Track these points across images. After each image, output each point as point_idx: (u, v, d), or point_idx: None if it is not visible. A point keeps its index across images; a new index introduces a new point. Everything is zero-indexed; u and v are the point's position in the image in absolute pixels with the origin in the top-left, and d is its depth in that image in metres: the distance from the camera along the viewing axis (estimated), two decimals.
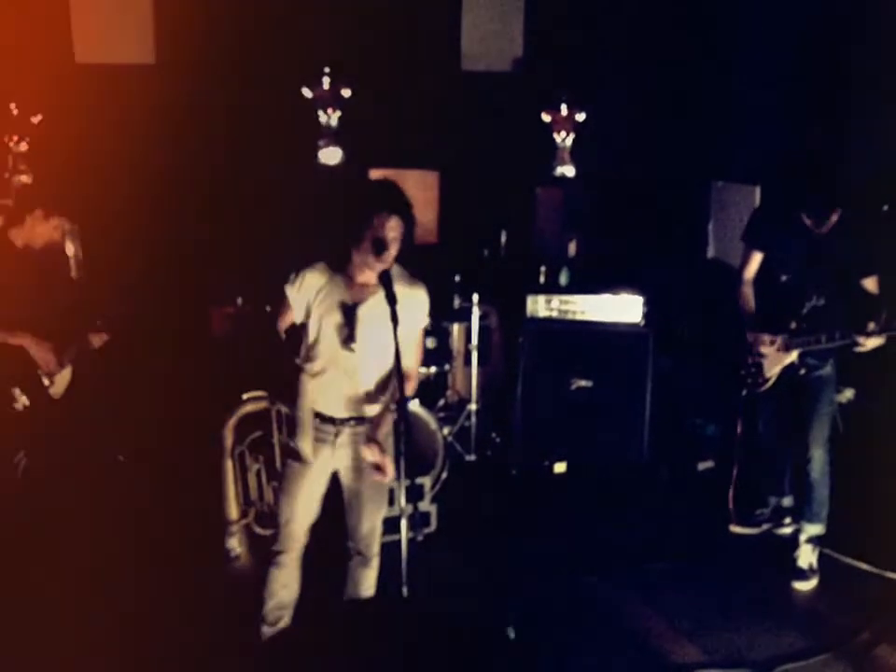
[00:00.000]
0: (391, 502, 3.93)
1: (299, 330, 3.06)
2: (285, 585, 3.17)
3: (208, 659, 3.27)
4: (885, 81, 4.58)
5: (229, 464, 3.75)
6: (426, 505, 4.32)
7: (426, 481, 4.39)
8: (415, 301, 2.98)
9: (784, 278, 3.91)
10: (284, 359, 3.11)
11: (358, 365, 2.97)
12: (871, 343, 3.60)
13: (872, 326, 3.56)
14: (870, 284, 3.80)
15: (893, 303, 3.62)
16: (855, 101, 4.78)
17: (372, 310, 2.93)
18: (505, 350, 5.71)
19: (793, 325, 3.87)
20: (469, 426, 5.31)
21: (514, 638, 3.03)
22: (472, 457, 5.28)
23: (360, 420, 3.05)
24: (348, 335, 2.92)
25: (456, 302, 5.50)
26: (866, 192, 4.29)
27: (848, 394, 4.75)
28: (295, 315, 3.03)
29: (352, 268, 2.94)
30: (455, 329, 5.45)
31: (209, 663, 3.26)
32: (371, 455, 2.93)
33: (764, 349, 3.94)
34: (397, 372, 2.80)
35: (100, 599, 3.61)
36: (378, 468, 2.93)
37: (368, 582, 3.22)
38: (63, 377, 3.98)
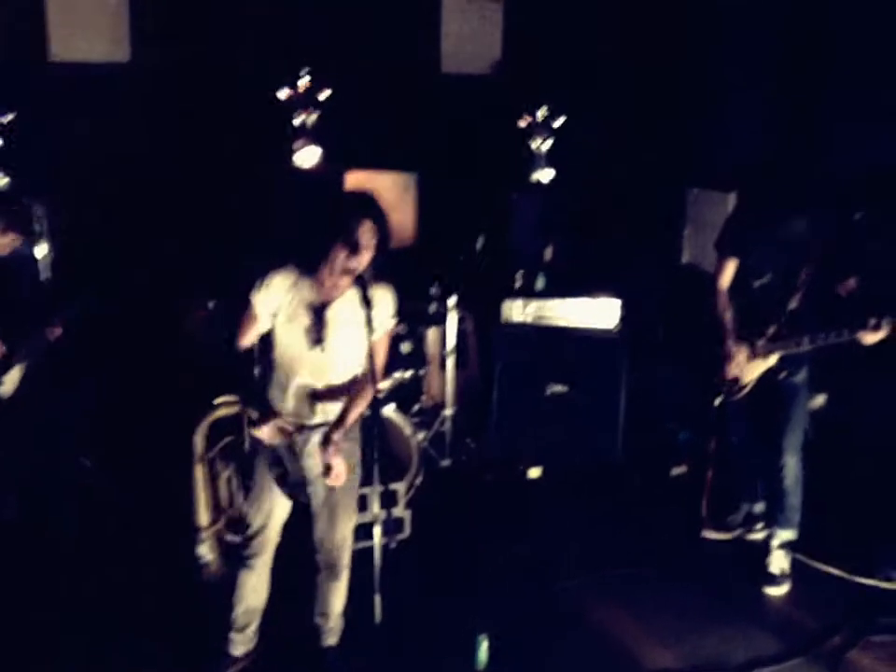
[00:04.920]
0: (364, 508, 3.92)
1: (268, 338, 3.02)
2: (254, 590, 3.14)
3: (179, 667, 3.24)
4: (862, 88, 4.63)
5: (199, 470, 3.71)
6: (399, 511, 4.29)
7: (399, 486, 4.37)
8: (383, 303, 2.96)
9: (758, 283, 3.93)
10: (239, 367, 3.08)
11: (328, 366, 2.95)
12: (871, 338, 3.56)
13: (873, 321, 3.52)
14: (848, 286, 3.82)
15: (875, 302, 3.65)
16: (832, 108, 4.83)
17: (340, 312, 2.91)
18: (480, 355, 5.70)
19: (772, 330, 3.89)
20: (443, 431, 5.29)
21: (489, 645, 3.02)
22: (447, 463, 5.25)
23: (328, 425, 3.03)
24: (317, 337, 2.90)
25: (432, 307, 5.48)
26: (842, 197, 4.33)
27: (820, 400, 4.79)
28: (261, 323, 2.96)
29: (321, 273, 2.92)
30: (431, 333, 5.43)
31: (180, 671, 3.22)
32: (326, 456, 2.87)
33: (742, 356, 3.95)
34: (371, 376, 2.79)
35: (66, 606, 3.56)
36: (328, 469, 2.87)
37: (337, 595, 3.18)
38: (11, 378, 3.92)
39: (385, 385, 3.16)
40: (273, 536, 3.12)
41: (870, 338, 3.57)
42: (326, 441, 2.91)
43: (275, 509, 3.09)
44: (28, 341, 3.99)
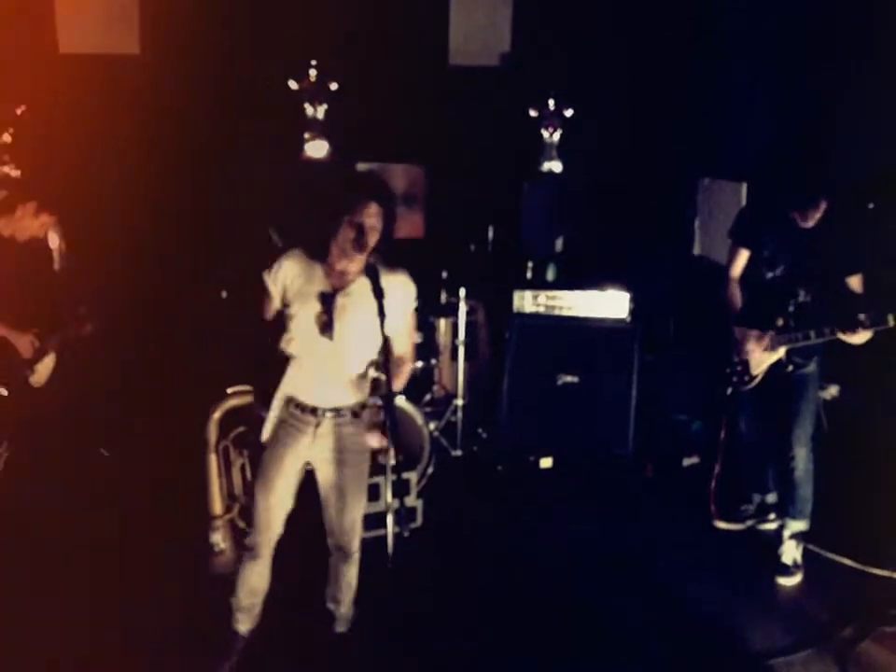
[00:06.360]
0: (377, 497, 3.93)
1: (283, 318, 3.05)
2: (258, 575, 3.16)
3: (192, 653, 3.25)
4: (873, 79, 4.60)
5: (213, 458, 3.73)
6: (412, 500, 4.31)
7: (412, 476, 4.38)
8: (400, 288, 2.96)
9: (770, 275, 3.92)
10: (263, 348, 3.10)
11: (339, 354, 2.95)
12: (856, 338, 3.62)
13: (862, 317, 3.57)
14: (854, 282, 3.81)
15: (879, 299, 3.64)
16: (842, 98, 4.79)
17: (351, 298, 2.92)
18: (491, 345, 5.71)
19: (780, 322, 3.89)
20: (455, 421, 5.30)
21: None
22: (458, 453, 5.27)
23: (341, 411, 3.03)
24: (326, 324, 2.90)
25: (443, 297, 5.49)
26: (854, 190, 4.31)
27: (833, 390, 4.78)
28: (275, 301, 3.01)
29: (331, 257, 2.93)
30: (442, 323, 5.45)
31: (193, 657, 3.24)
32: (375, 441, 2.95)
33: (751, 346, 3.95)
34: (385, 366, 2.79)
35: (82, 593, 3.58)
36: (382, 451, 2.94)
37: (349, 579, 3.20)
38: (45, 366, 3.94)
39: (403, 378, 3.15)
40: (275, 526, 3.11)
41: (851, 338, 3.62)
42: (372, 428, 2.98)
43: (278, 500, 3.08)
44: (61, 329, 3.99)
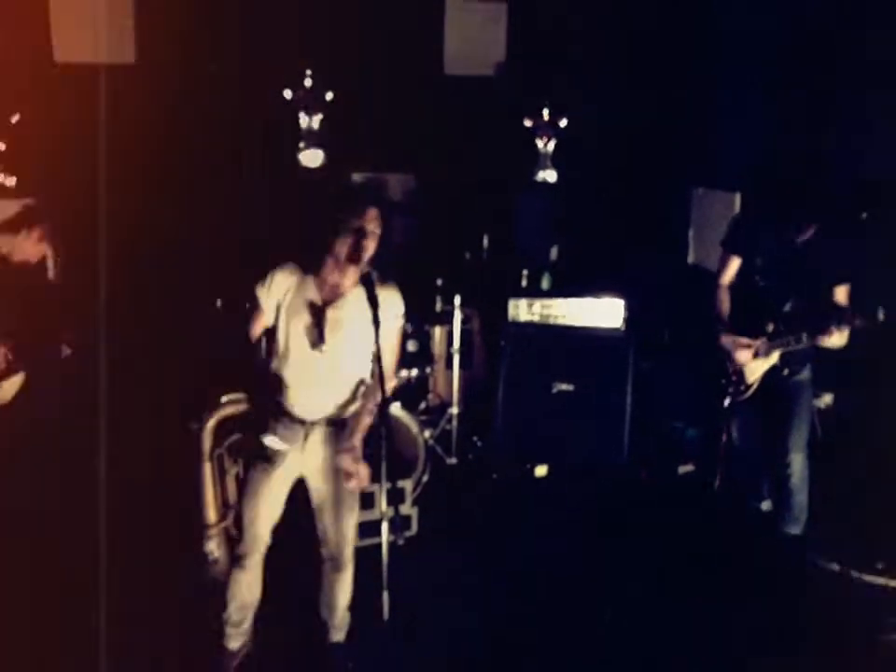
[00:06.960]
0: (371, 505, 3.93)
1: (271, 334, 3.04)
2: (248, 587, 3.15)
3: (186, 662, 3.24)
4: (867, 90, 4.62)
5: (207, 467, 3.72)
6: (407, 508, 4.30)
7: (407, 484, 4.38)
8: (390, 303, 2.97)
9: (763, 284, 3.93)
10: (253, 362, 3.10)
11: (331, 367, 2.95)
12: (832, 341, 3.65)
13: (831, 326, 3.64)
14: (841, 292, 3.82)
15: (875, 298, 3.65)
16: (837, 109, 4.82)
17: (342, 311, 2.92)
18: (486, 353, 5.71)
19: (771, 327, 3.90)
20: (450, 429, 5.30)
21: None
22: (453, 461, 5.26)
23: (332, 422, 3.03)
24: (317, 337, 2.91)
25: (438, 306, 5.49)
26: (847, 201, 4.33)
27: (827, 399, 4.78)
28: (266, 318, 3.00)
29: (324, 269, 2.93)
30: (437, 332, 5.44)
31: (186, 666, 3.23)
32: (345, 462, 2.91)
33: (742, 355, 3.94)
34: (378, 375, 2.80)
35: (75, 604, 3.56)
36: (351, 476, 2.92)
37: (342, 587, 3.20)
38: (12, 384, 3.90)
39: (392, 385, 3.16)
40: (264, 535, 3.10)
41: (828, 341, 3.66)
42: (344, 450, 2.94)
43: (267, 510, 3.07)
44: (41, 350, 3.98)
